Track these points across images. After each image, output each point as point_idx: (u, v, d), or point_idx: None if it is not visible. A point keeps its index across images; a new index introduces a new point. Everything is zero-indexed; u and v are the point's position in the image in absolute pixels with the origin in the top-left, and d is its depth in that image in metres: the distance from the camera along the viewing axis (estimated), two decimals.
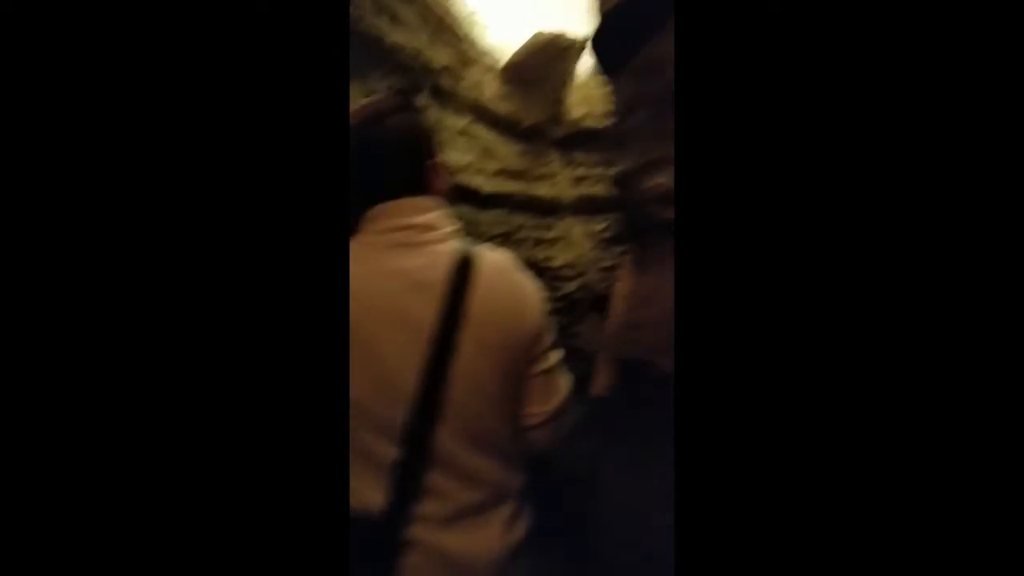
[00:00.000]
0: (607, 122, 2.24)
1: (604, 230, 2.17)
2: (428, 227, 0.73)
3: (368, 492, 0.66)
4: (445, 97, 1.72)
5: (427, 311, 0.68)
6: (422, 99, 1.56)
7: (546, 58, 2.08)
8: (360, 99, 1.10)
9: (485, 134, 1.99)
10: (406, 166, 0.75)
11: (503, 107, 2.09)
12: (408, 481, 0.66)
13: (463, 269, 0.70)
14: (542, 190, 2.10)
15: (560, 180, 2.16)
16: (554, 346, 0.77)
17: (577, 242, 2.11)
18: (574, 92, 2.23)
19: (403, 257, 0.71)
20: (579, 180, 2.20)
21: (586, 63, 2.30)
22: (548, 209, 2.11)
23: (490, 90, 2.05)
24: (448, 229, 0.76)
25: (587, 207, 2.18)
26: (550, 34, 2.01)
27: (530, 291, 0.76)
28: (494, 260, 0.75)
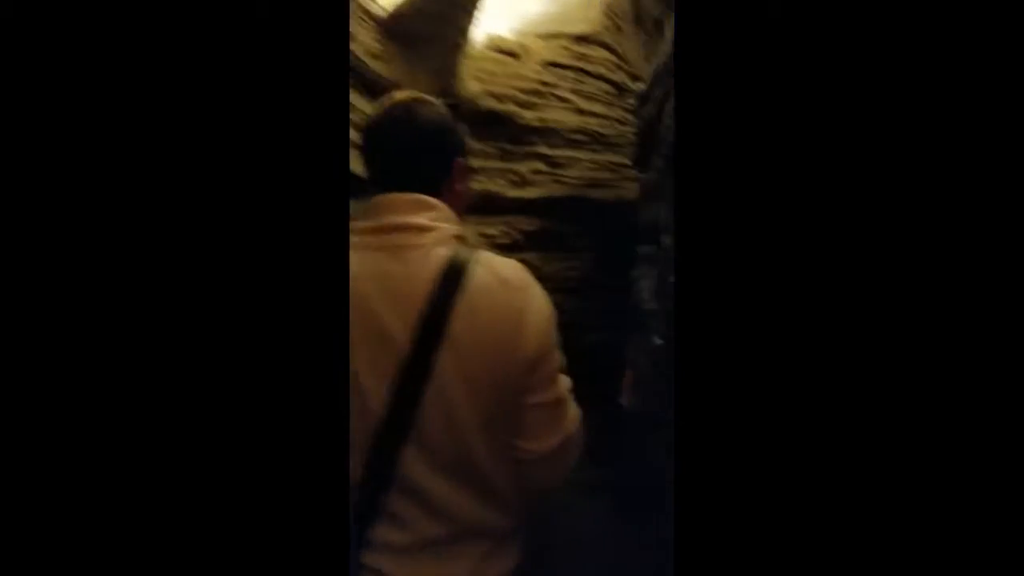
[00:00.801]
0: (507, 106, 1.89)
1: (501, 235, 1.84)
2: (423, 229, 0.67)
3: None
4: None
5: (403, 327, 0.63)
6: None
7: (436, 13, 1.67)
8: None
9: (354, 100, 1.52)
10: (429, 160, 0.70)
11: (380, 68, 1.62)
12: (368, 504, 0.65)
13: (450, 283, 0.64)
14: None
15: None
16: (560, 373, 0.69)
17: None
18: (467, 64, 1.84)
19: (387, 261, 0.66)
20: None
21: (482, 29, 1.92)
22: None
23: (364, 45, 1.58)
24: (446, 233, 0.68)
25: (481, 206, 1.81)
26: None
27: (532, 311, 0.67)
28: (490, 273, 0.67)
